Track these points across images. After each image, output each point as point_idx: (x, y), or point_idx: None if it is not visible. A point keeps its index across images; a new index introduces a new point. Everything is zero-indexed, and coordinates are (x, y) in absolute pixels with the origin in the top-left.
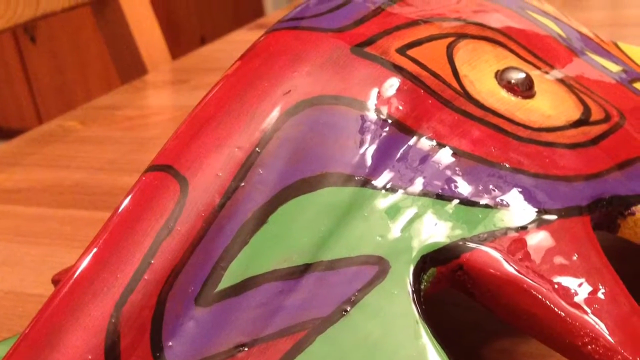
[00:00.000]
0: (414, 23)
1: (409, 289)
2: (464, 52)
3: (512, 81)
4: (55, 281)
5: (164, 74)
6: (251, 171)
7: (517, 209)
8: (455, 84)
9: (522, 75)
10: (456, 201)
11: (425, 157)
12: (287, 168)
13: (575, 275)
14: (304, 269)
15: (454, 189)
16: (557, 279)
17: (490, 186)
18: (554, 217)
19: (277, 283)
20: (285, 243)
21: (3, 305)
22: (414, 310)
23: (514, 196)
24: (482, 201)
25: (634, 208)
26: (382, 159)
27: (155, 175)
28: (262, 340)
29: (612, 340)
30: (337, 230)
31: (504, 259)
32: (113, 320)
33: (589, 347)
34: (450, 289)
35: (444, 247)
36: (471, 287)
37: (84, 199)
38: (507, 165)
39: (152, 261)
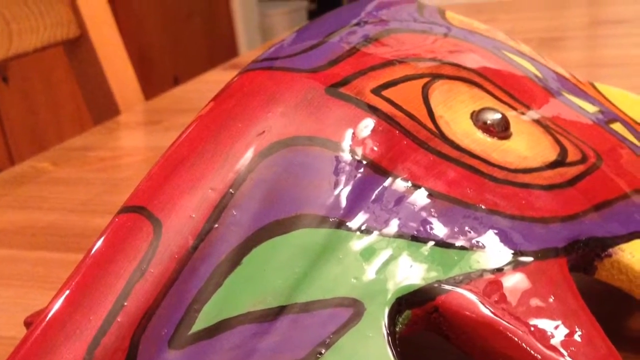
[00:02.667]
0: (389, 63)
1: (384, 331)
2: (440, 92)
3: (488, 122)
4: (28, 323)
5: (136, 115)
6: (225, 213)
7: (493, 251)
8: (430, 125)
9: (498, 116)
10: (432, 243)
11: (400, 199)
12: (261, 209)
13: (552, 318)
14: (278, 311)
15: (429, 230)
16: (534, 321)
17: (466, 228)
18: (530, 258)
19: (251, 325)
20: (260, 285)
21: None
22: (389, 352)
23: (489, 238)
24: (458, 243)
25: (610, 250)
26: (357, 200)
27: (128, 217)
28: None
29: None
30: (311, 272)
31: (480, 301)
32: None
33: None
34: (426, 331)
35: (419, 289)
36: (447, 329)
37: (57, 240)
38: (482, 207)
39: (125, 303)
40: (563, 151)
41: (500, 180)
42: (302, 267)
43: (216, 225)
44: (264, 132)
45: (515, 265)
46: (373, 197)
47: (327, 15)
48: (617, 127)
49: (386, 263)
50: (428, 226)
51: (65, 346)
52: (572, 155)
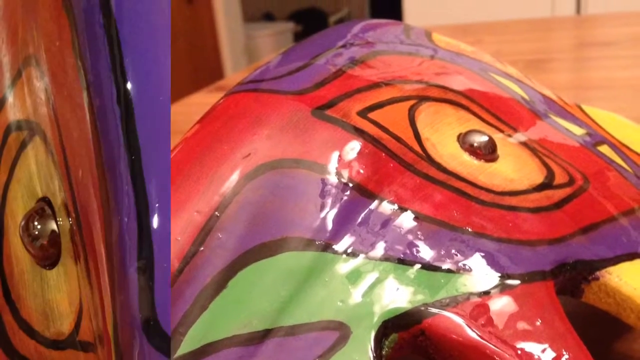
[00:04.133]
0: (375, 85)
1: (370, 354)
2: (426, 114)
3: (475, 144)
4: None
5: None
6: (210, 235)
7: (479, 274)
8: (417, 147)
9: (485, 138)
10: (418, 266)
11: (386, 221)
12: (246, 232)
13: (539, 341)
14: (264, 335)
15: (415, 253)
16: (521, 344)
17: (453, 251)
18: (517, 282)
19: (237, 349)
20: (245, 308)
21: None
22: None
23: (476, 261)
24: (445, 266)
25: (598, 273)
26: (343, 223)
27: None
28: None
29: None
30: (297, 295)
31: (467, 324)
32: None
33: None
34: (412, 354)
35: (405, 312)
36: (433, 352)
37: None
38: (469, 230)
39: None
40: (550, 174)
41: (487, 203)
42: (288, 290)
43: (202, 248)
44: (249, 154)
45: (502, 288)
46: (359, 220)
47: (313, 37)
48: (604, 149)
49: (372, 286)
50: (414, 249)
51: None
52: (559, 177)
